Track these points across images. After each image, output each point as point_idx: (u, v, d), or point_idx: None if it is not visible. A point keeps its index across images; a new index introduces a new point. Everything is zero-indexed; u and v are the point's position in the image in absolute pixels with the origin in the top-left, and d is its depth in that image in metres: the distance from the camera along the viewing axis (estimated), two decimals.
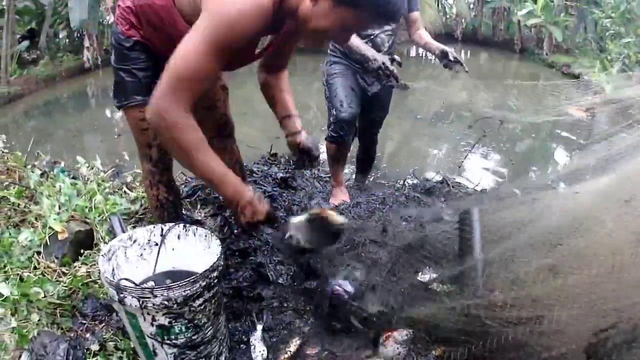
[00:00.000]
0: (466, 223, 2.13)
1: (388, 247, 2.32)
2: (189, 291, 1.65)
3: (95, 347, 2.06)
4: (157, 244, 1.95)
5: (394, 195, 3.18)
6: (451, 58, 3.05)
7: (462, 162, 4.67)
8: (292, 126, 2.11)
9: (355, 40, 2.85)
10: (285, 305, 2.20)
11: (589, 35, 13.77)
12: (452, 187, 3.64)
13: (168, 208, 2.25)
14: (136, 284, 1.69)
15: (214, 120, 2.35)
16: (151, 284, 1.87)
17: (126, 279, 1.66)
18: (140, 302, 1.62)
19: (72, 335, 2.12)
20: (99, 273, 2.35)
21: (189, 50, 1.51)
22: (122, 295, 1.63)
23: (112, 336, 2.13)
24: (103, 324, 2.20)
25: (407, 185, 3.75)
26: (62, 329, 2.17)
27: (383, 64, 2.79)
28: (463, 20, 15.78)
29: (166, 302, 1.63)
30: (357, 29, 1.80)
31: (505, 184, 4.57)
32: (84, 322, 2.20)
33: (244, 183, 1.73)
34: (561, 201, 2.11)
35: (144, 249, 1.97)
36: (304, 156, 2.13)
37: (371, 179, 3.87)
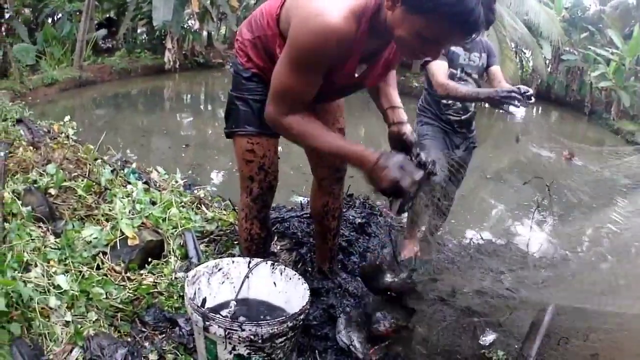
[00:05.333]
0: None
1: (454, 308, 2.30)
2: (276, 329, 1.68)
3: (153, 357, 2.03)
4: (240, 275, 2.00)
5: (460, 255, 3.15)
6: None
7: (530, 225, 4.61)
8: (397, 116, 1.94)
9: (461, 89, 2.86)
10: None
11: None
12: (515, 252, 3.58)
13: (258, 243, 2.22)
14: (223, 316, 1.73)
15: (328, 161, 2.31)
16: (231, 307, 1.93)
17: (214, 311, 1.69)
18: (226, 332, 1.65)
19: (129, 340, 2.11)
20: (166, 285, 2.40)
21: (279, 71, 1.67)
22: (207, 323, 1.67)
23: (172, 349, 2.10)
24: (164, 336, 2.17)
25: (472, 244, 3.70)
26: (119, 332, 2.14)
27: (504, 91, 2.70)
28: (539, 76, 15.75)
29: (252, 337, 1.66)
30: (438, 41, 1.55)
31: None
32: (143, 329, 2.18)
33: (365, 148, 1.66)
34: None
35: (227, 278, 2.01)
36: (402, 151, 1.82)
37: (438, 233, 3.84)
